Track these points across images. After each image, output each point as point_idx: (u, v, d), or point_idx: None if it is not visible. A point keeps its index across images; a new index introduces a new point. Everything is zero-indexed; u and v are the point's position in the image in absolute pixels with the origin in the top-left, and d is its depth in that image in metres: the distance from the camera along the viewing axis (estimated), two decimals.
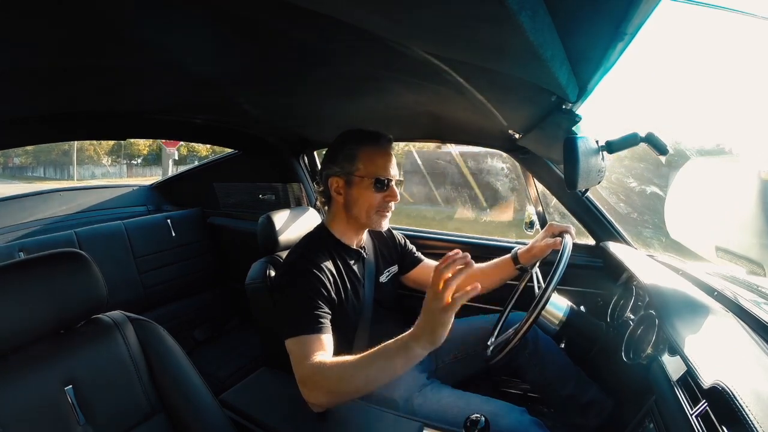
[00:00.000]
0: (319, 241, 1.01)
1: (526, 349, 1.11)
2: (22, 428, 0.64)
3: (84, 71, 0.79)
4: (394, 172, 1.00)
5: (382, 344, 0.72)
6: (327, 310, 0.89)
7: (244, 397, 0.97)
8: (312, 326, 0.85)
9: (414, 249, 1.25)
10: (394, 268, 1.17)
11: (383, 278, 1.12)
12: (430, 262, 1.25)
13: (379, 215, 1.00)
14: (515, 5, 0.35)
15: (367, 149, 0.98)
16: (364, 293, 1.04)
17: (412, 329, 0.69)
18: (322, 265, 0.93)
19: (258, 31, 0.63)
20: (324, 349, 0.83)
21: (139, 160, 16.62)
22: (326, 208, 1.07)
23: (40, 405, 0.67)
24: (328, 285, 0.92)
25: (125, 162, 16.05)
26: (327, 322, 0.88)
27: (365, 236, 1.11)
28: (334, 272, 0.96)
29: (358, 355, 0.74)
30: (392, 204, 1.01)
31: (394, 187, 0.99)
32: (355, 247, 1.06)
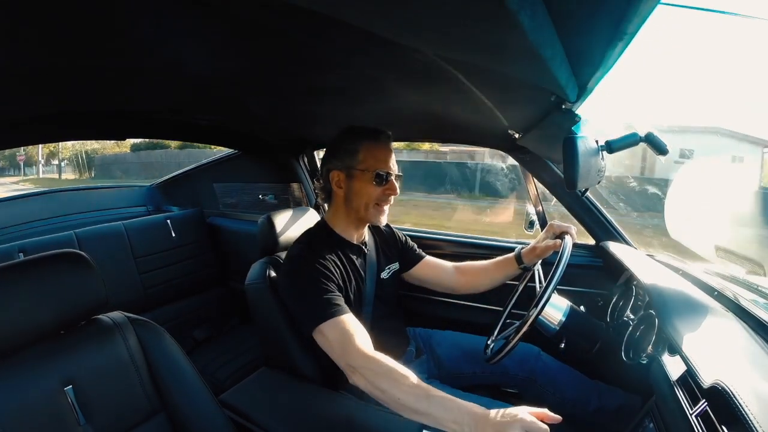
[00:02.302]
0: (319, 237, 1.02)
1: (535, 383, 1.09)
2: (21, 429, 0.64)
3: (84, 71, 0.79)
4: (394, 167, 1.02)
5: (448, 397, 0.70)
6: (338, 293, 0.90)
7: (244, 397, 0.96)
8: (333, 309, 0.85)
9: (415, 246, 1.25)
10: (395, 265, 1.17)
11: (384, 274, 1.12)
12: (431, 260, 1.25)
13: (377, 210, 1.01)
14: (515, 5, 0.35)
15: (368, 144, 1.00)
16: (366, 289, 1.05)
17: (479, 414, 0.66)
18: (326, 256, 0.95)
19: (258, 31, 0.63)
20: (355, 328, 0.83)
21: (64, 163, 22.80)
22: (326, 204, 1.09)
23: (40, 405, 0.66)
24: (335, 273, 0.94)
25: (56, 164, 22.59)
26: (343, 302, 0.88)
27: (366, 233, 1.11)
28: (339, 264, 0.97)
29: (418, 383, 0.73)
30: (391, 198, 1.02)
31: (394, 181, 1.01)
32: (356, 243, 1.06)
